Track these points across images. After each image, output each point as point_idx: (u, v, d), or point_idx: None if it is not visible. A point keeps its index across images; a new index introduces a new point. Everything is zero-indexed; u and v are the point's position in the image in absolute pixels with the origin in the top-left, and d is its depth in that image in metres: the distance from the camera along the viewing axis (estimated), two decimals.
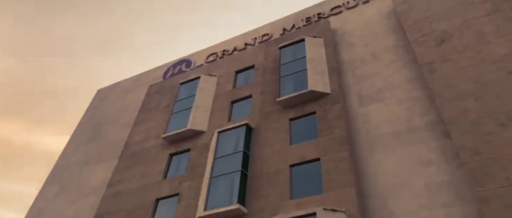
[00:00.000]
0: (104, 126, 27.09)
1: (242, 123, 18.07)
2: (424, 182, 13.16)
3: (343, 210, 12.78)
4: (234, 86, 22.42)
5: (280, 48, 21.74)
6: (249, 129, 18.05)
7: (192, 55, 29.25)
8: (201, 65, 27.37)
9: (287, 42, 21.63)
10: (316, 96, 17.63)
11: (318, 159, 15.16)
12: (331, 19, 24.07)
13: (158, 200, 18.16)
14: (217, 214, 14.93)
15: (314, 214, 12.80)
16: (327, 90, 17.70)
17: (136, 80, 30.77)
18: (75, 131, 28.70)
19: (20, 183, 72.95)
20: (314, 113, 17.32)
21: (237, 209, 14.62)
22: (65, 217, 21.59)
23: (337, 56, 20.75)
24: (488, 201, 10.79)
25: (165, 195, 17.94)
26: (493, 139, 12.08)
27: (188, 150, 19.93)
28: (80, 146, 26.51)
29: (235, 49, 26.74)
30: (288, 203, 14.24)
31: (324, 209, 12.70)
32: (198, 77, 23.60)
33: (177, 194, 17.82)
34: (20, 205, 70.18)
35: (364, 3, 23.57)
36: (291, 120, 17.72)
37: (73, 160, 25.52)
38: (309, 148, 15.67)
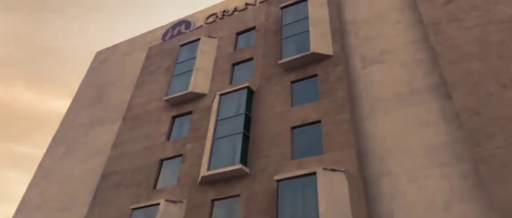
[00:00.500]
0: (106, 88, 27.16)
1: (244, 85, 18.08)
2: (422, 143, 13.38)
3: (343, 170, 13.12)
4: (235, 48, 22.18)
5: (282, 8, 21.23)
6: (250, 92, 18.09)
7: (191, 16, 28.65)
8: (201, 26, 26.89)
9: (289, 2, 21.09)
10: (318, 58, 17.49)
11: (319, 121, 15.33)
12: None
13: (162, 160, 18.63)
14: (220, 173, 15.37)
15: (314, 173, 13.16)
16: (330, 52, 17.51)
17: (134, 42, 30.41)
18: (77, 93, 28.84)
19: (25, 145, 74.41)
20: (316, 75, 17.27)
21: (240, 169, 15.02)
22: (73, 176, 22.28)
23: (340, 16, 20.30)
24: (485, 161, 11.03)
25: (169, 156, 18.38)
26: (494, 100, 12.12)
27: (190, 113, 20.13)
28: (83, 108, 26.76)
29: (235, 9, 26.12)
30: (289, 163, 14.60)
31: (324, 168, 13.03)
32: (198, 39, 23.28)
33: (180, 155, 18.25)
34: (27, 166, 72.05)
35: None
36: (292, 82, 17.70)
37: (77, 122, 25.87)
38: (310, 110, 15.79)
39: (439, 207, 11.71)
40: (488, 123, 11.72)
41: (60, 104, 76.42)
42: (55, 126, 74.80)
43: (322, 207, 12.64)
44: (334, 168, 13.20)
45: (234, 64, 20.99)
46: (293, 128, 15.82)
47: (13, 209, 65.67)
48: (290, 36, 19.00)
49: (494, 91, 12.31)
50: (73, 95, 28.53)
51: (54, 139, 25.85)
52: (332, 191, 12.95)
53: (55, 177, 23.10)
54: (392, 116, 14.78)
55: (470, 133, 11.80)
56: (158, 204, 16.42)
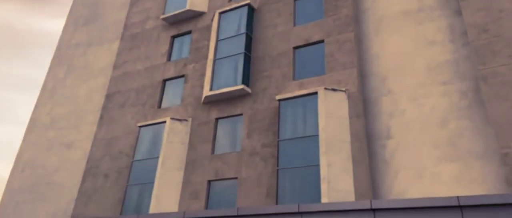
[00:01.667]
0: (100, 6, 26.07)
1: (244, 2, 17.27)
2: (426, 62, 13.28)
3: (344, 89, 13.24)
4: None
5: None
6: (251, 10, 17.36)
7: None
8: None
9: None
10: None
11: (322, 41, 14.99)
12: None
13: (165, 81, 18.74)
14: (222, 93, 15.58)
15: (315, 93, 13.31)
16: None
17: None
18: (70, 12, 27.79)
19: (27, 66, 74.24)
20: None
21: (242, 89, 15.17)
22: (78, 96, 22.69)
23: None
24: (486, 78, 11.06)
25: (171, 76, 18.43)
26: (504, 16, 11.67)
27: (189, 32, 19.61)
28: (78, 28, 26.05)
29: None
30: (290, 84, 14.69)
31: (325, 88, 13.15)
32: None
33: (182, 76, 18.29)
34: (31, 87, 72.86)
35: None
36: None
37: (74, 42, 25.42)
38: (313, 29, 15.33)
39: (435, 124, 12.10)
40: (495, 40, 11.46)
41: (57, 25, 74.25)
42: (54, 46, 73.70)
43: (321, 124, 13.08)
44: (335, 88, 13.32)
45: None
46: (295, 48, 15.55)
47: (22, 130, 68.26)
48: None
49: (505, 7, 11.78)
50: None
51: (54, 60, 25.69)
52: (332, 110, 13.27)
53: (60, 97, 23.53)
54: (397, 34, 14.40)
55: (475, 50, 11.62)
56: (164, 122, 16.99)
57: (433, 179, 11.60)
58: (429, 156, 11.95)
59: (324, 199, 12.11)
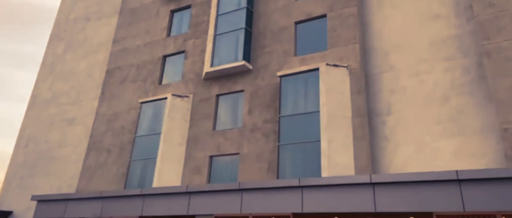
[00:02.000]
0: None
1: None
2: (429, 37, 13.12)
3: (345, 65, 13.16)
4: None
5: None
6: None
7: None
8: None
9: None
10: None
11: (324, 16, 14.75)
12: None
13: (165, 56, 18.60)
14: (223, 70, 15.49)
15: (317, 69, 13.24)
16: None
17: None
18: None
19: (26, 42, 73.49)
20: None
21: (243, 65, 15.08)
22: (78, 72, 22.59)
23: None
24: (490, 54, 10.96)
25: (171, 52, 18.27)
26: None
27: (189, 6, 19.28)
28: (77, 2, 25.60)
29: None
30: (292, 60, 14.58)
31: (327, 64, 13.06)
32: None
33: (182, 52, 18.13)
34: (30, 63, 72.43)
35: None
36: None
37: (72, 17, 25.05)
38: (315, 3, 15.05)
39: (437, 100, 12.10)
40: (501, 14, 11.27)
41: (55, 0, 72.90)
42: (51, 21, 72.67)
43: (322, 101, 13.09)
44: (336, 64, 13.23)
45: None
46: (297, 23, 15.33)
47: (20, 107, 68.42)
48: None
49: None
50: None
51: (52, 35, 25.40)
52: (334, 86, 13.24)
53: (60, 73, 23.44)
54: (401, 8, 14.15)
55: (480, 25, 11.45)
56: (165, 98, 17.00)
57: (432, 154, 11.72)
58: (430, 131, 12.02)
59: (324, 174, 12.28)
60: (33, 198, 13.79)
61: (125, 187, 16.58)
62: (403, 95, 12.74)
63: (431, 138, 11.93)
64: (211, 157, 15.39)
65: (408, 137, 12.28)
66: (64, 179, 19.61)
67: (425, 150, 11.89)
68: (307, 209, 9.08)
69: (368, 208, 8.41)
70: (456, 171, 7.72)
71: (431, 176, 7.98)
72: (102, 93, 19.81)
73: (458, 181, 7.66)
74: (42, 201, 13.39)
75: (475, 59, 12.06)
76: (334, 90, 13.19)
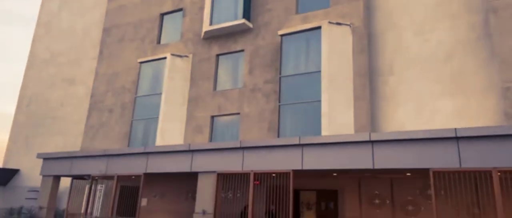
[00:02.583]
0: None
1: None
2: None
3: (348, 23, 12.91)
4: None
5: None
6: None
7: None
8: None
9: None
10: None
11: None
12: None
13: (162, 15, 18.18)
14: (223, 28, 15.21)
15: (319, 28, 13.01)
16: None
17: None
18: None
19: (18, 2, 71.34)
20: None
21: (243, 23, 14.78)
22: (75, 30, 22.18)
23: None
24: (497, 10, 10.73)
25: (168, 10, 17.83)
26: None
27: None
28: None
29: None
30: (293, 18, 14.27)
31: (329, 22, 12.81)
32: None
33: (180, 9, 17.70)
34: (23, 22, 70.77)
35: None
36: None
37: None
38: None
39: (439, 59, 12.02)
40: None
41: None
42: None
43: (324, 60, 12.99)
44: (339, 22, 12.97)
45: None
46: None
47: (22, 67, 67.78)
48: None
49: None
50: None
51: None
52: (336, 45, 13.07)
53: (57, 32, 23.01)
54: None
55: None
56: (165, 58, 16.84)
57: (432, 114, 11.83)
58: (430, 91, 12.05)
59: (324, 134, 12.47)
60: (39, 156, 14.09)
61: (128, 146, 16.87)
62: (406, 54, 12.62)
63: (431, 97, 11.98)
64: (212, 117, 15.53)
65: (408, 96, 12.33)
66: (68, 138, 19.92)
67: (425, 109, 11.99)
68: (307, 166, 9.32)
69: (367, 165, 8.64)
70: (455, 129, 7.84)
71: (430, 133, 8.12)
72: (100, 52, 19.59)
73: (456, 138, 7.80)
74: (48, 159, 13.69)
75: (481, 17, 11.81)
76: (336, 49, 13.04)
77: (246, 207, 11.30)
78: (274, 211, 10.55)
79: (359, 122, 12.39)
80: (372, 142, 8.78)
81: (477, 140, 7.67)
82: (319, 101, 13.20)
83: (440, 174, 7.78)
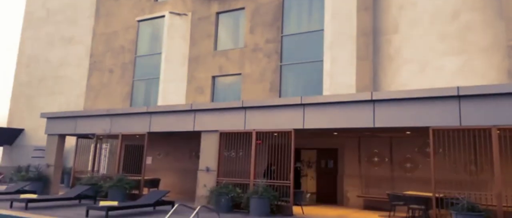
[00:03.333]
0: None
1: None
2: None
3: None
4: None
5: None
6: None
7: None
8: None
9: None
10: None
11: None
12: None
13: None
14: None
15: None
16: None
17: None
18: None
19: None
20: None
21: None
22: None
23: None
24: None
25: None
26: None
27: None
28: None
29: None
30: None
31: None
32: None
33: None
34: None
35: None
36: None
37: None
38: None
39: (446, 16, 11.77)
40: None
41: None
42: None
43: (327, 18, 12.72)
44: None
45: None
46: None
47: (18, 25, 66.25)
48: None
49: None
50: None
51: None
52: (339, 2, 12.74)
53: None
54: None
55: None
56: (163, 16, 16.48)
57: (435, 73, 11.80)
58: (434, 49, 11.93)
59: (326, 93, 12.50)
60: (43, 115, 14.22)
61: (131, 106, 16.99)
62: (412, 11, 12.34)
63: (435, 56, 11.88)
64: (213, 77, 15.49)
65: (412, 55, 12.23)
66: (70, 98, 20.00)
67: (429, 68, 11.93)
68: (308, 125, 9.45)
69: (367, 124, 8.75)
70: (458, 87, 7.86)
71: (432, 92, 8.15)
72: (97, 10, 19.13)
73: (458, 97, 7.84)
74: (51, 118, 13.83)
75: None
76: (340, 7, 12.72)
77: (269, 165, 11.46)
78: (273, 169, 10.81)
79: (361, 81, 12.38)
80: (373, 101, 8.84)
81: (479, 98, 7.72)
82: (321, 61, 13.11)
83: (440, 132, 7.90)
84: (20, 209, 9.10)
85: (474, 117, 7.69)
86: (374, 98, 8.76)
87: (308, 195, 11.52)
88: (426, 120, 8.16)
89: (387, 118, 8.60)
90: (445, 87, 8.20)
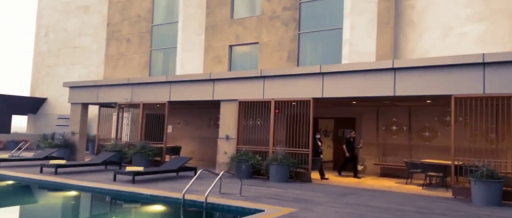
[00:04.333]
0: None
1: None
2: None
3: None
4: None
5: None
6: None
7: None
8: None
9: None
10: None
11: None
12: None
13: None
14: None
15: None
16: None
17: None
18: None
19: None
20: None
21: None
22: None
23: None
24: None
25: None
26: None
27: None
28: None
29: None
30: None
31: None
32: None
33: None
34: None
35: None
36: None
37: None
38: None
39: None
40: None
41: None
42: None
43: None
44: None
45: None
46: None
47: None
48: None
49: None
50: None
51: None
52: None
53: None
54: None
55: None
56: None
57: (458, 40, 11.50)
58: (458, 15, 11.56)
59: (344, 62, 12.39)
60: (65, 84, 14.60)
61: (149, 75, 17.23)
62: None
63: (459, 22, 11.53)
64: (230, 46, 15.45)
65: (435, 21, 11.88)
66: (90, 68, 20.36)
67: (452, 34, 11.62)
68: (328, 94, 9.46)
69: (388, 93, 8.71)
70: (483, 54, 7.69)
71: (456, 59, 8.00)
72: None
73: (483, 64, 7.68)
74: (74, 87, 14.20)
75: None
76: None
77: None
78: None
79: (382, 49, 12.17)
80: (394, 69, 8.75)
81: (504, 65, 7.55)
82: (340, 28, 12.87)
83: (462, 100, 7.82)
84: (50, 174, 9.61)
85: (498, 84, 7.56)
86: (395, 66, 8.67)
87: (361, 166, 11.20)
88: (449, 88, 8.07)
89: (408, 86, 8.54)
90: (471, 54, 8.02)
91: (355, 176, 10.77)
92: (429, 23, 11.92)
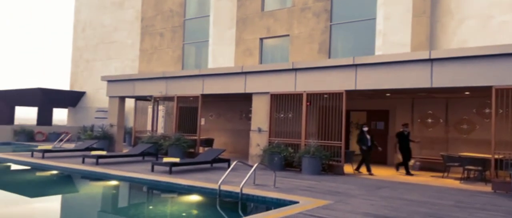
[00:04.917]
0: None
1: None
2: None
3: None
4: None
5: None
6: None
7: None
8: None
9: None
10: None
11: None
12: None
13: None
14: None
15: None
16: None
17: None
18: None
19: None
20: None
21: None
22: None
23: None
24: None
25: None
26: None
27: None
28: None
29: None
30: None
31: None
32: None
33: None
34: None
35: None
36: None
37: None
38: None
39: None
40: None
41: None
42: None
43: None
44: None
45: None
46: None
47: None
48: None
49: None
50: None
51: None
52: None
53: None
54: None
55: None
56: None
57: (497, 29, 10.98)
58: (499, 3, 11.01)
59: (378, 53, 12.16)
60: (103, 78, 15.26)
61: (182, 69, 17.65)
62: None
63: (499, 11, 11.00)
64: (261, 39, 15.52)
65: (474, 10, 11.39)
66: (125, 62, 21.13)
67: (491, 24, 11.11)
68: (361, 86, 9.35)
69: (424, 84, 8.49)
70: None
71: (497, 49, 7.68)
72: None
73: None
74: (112, 81, 14.82)
75: None
76: None
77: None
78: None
79: (417, 39, 11.83)
80: (431, 60, 8.51)
81: None
82: (374, 19, 12.61)
83: (503, 92, 7.50)
84: (91, 164, 10.16)
85: None
86: (432, 57, 8.43)
87: (415, 163, 10.65)
88: (489, 79, 7.78)
89: (446, 78, 8.30)
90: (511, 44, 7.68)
91: (408, 173, 9.84)
92: (467, 12, 11.44)
